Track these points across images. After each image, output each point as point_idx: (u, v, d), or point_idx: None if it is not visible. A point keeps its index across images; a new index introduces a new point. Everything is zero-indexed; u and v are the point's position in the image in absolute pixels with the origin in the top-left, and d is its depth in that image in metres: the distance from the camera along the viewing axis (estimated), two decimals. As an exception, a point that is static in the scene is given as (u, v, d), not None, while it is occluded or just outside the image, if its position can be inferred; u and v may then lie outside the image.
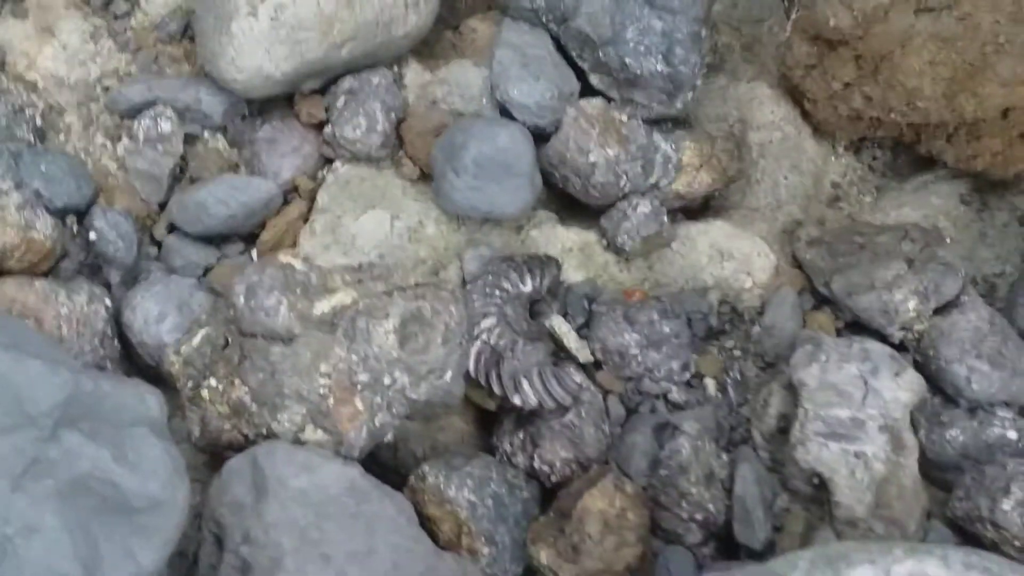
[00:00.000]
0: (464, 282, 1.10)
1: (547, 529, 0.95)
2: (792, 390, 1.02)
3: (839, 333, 1.10)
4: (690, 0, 1.10)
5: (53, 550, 0.75)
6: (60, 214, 1.07)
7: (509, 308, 1.04)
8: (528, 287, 1.07)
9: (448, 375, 0.93)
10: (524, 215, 1.15)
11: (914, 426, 1.01)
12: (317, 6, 1.06)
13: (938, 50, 1.09)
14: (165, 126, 1.13)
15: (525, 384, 1.01)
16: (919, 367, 1.05)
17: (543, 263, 1.09)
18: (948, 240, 1.20)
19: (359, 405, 0.90)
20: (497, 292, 1.05)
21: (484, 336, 1.02)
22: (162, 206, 1.15)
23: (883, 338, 1.06)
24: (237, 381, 0.91)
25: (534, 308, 1.09)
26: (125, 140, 1.15)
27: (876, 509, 0.97)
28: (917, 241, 1.11)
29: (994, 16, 1.06)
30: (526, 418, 1.04)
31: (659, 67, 1.11)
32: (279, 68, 1.08)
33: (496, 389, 1.01)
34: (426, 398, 0.92)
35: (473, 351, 1.02)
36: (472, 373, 1.02)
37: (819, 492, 1.01)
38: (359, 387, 0.91)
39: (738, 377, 1.11)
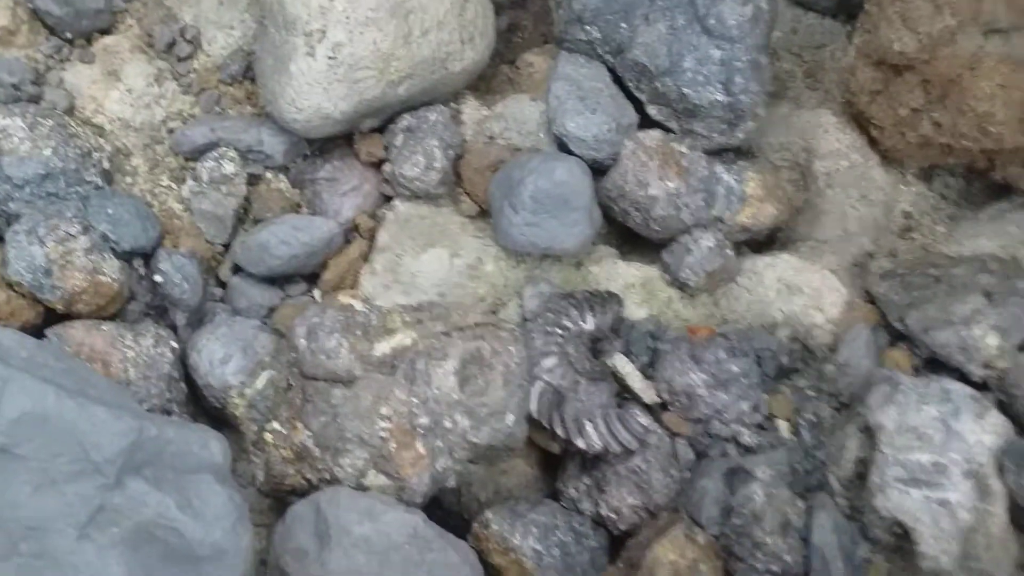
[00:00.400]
0: (524, 320, 1.09)
1: (615, 579, 0.93)
2: (869, 433, 0.98)
3: (916, 371, 1.05)
4: (748, 27, 1.08)
5: (118, 599, 0.75)
6: (127, 257, 1.08)
7: (571, 347, 1.02)
8: (590, 325, 1.05)
9: (509, 418, 0.91)
10: (584, 250, 1.13)
11: (1001, 471, 0.96)
12: (374, 44, 1.07)
13: (1010, 72, 1.05)
14: (228, 167, 1.14)
15: (589, 427, 0.99)
16: (1002, 407, 1.00)
17: (604, 300, 1.08)
18: (1028, 271, 1.15)
19: (421, 450, 0.89)
20: (558, 330, 1.03)
21: (546, 376, 1.00)
22: (227, 247, 1.16)
23: (963, 376, 1.02)
24: (300, 425, 0.91)
25: (596, 346, 1.07)
26: (190, 181, 1.16)
27: (963, 560, 0.92)
28: (996, 273, 1.07)
29: (1070, 38, 1.02)
30: (591, 462, 1.02)
31: (719, 97, 1.09)
32: (337, 107, 1.08)
33: (559, 432, 0.99)
34: (487, 442, 0.91)
35: (535, 392, 1.00)
36: (534, 414, 1.00)
37: (902, 542, 0.96)
38: (420, 431, 0.90)
39: (812, 418, 1.07)
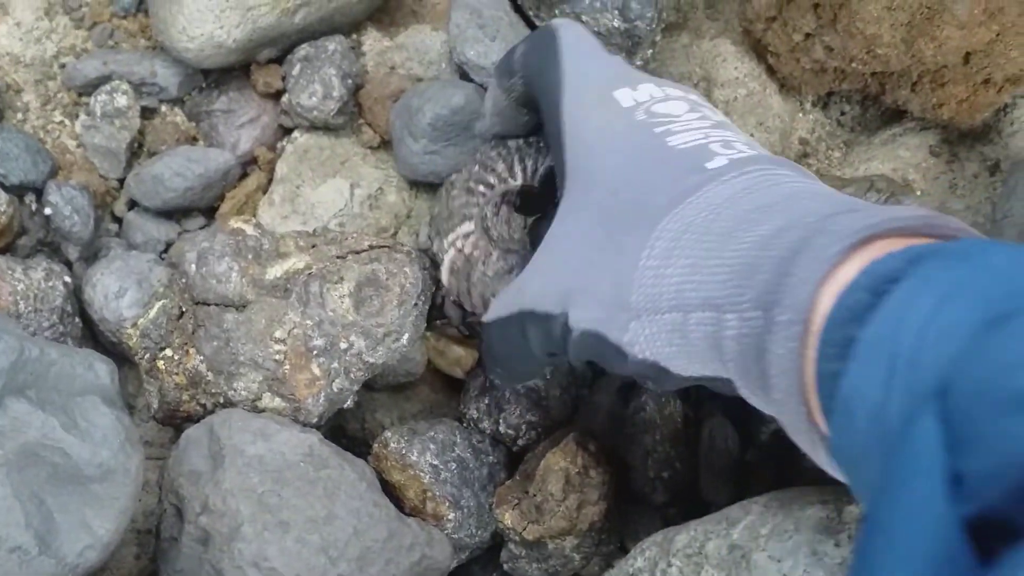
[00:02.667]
0: (424, 250, 1.08)
1: (511, 492, 0.94)
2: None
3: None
4: (644, -46, 1.09)
5: (5, 521, 0.73)
6: (17, 191, 1.05)
7: (490, 209, 0.95)
8: (518, 180, 0.95)
9: (405, 337, 0.91)
10: (486, 178, 1.13)
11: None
12: (268, -29, 1.05)
13: (895, -6, 1.07)
14: (121, 100, 1.11)
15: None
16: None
17: (539, 148, 0.97)
18: (919, 192, 1.18)
19: (316, 371, 0.89)
20: (481, 188, 0.95)
21: (459, 243, 0.94)
22: (122, 182, 1.14)
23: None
24: (192, 350, 0.90)
25: (522, 203, 0.96)
26: (82, 116, 1.13)
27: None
28: (883, 191, 1.09)
29: (950, -43, 1.04)
30: (492, 383, 1.02)
31: (616, 23, 1.09)
32: (231, 36, 1.06)
33: (467, 307, 0.95)
34: (383, 361, 0.91)
35: (447, 261, 0.95)
36: (445, 286, 0.95)
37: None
38: (315, 353, 0.89)
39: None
